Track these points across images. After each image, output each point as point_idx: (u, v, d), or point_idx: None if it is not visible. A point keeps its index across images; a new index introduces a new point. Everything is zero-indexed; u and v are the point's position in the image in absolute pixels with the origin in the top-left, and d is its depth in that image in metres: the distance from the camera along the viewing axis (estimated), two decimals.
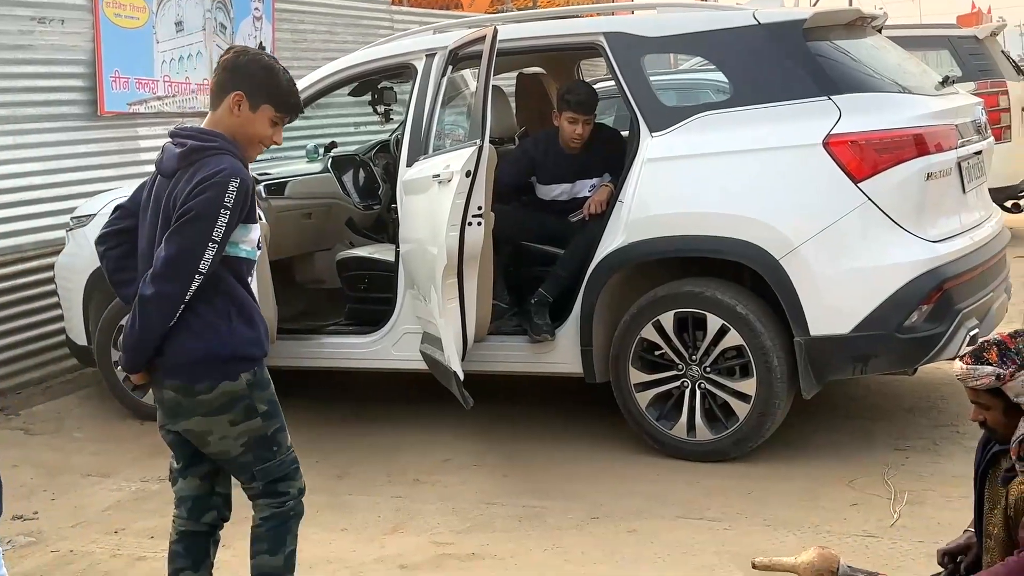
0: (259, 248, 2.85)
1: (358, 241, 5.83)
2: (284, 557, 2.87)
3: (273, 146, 2.89)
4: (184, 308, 2.67)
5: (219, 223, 2.63)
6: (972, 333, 4.19)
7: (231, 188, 2.64)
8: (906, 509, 3.81)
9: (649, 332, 4.43)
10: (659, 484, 4.20)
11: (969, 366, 2.77)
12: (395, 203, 5.02)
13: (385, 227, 5.81)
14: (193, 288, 2.65)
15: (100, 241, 2.92)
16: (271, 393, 2.84)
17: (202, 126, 2.84)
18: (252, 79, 2.77)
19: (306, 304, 5.57)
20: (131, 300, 2.79)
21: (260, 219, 4.43)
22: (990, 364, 2.74)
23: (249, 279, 2.85)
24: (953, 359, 4.33)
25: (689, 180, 4.40)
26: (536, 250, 5.02)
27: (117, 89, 6.76)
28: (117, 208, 2.94)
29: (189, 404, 2.76)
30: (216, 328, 2.71)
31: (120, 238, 2.89)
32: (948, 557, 2.98)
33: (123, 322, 5.38)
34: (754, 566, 3.34)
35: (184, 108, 7.33)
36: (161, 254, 2.65)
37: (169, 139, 2.82)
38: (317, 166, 6.13)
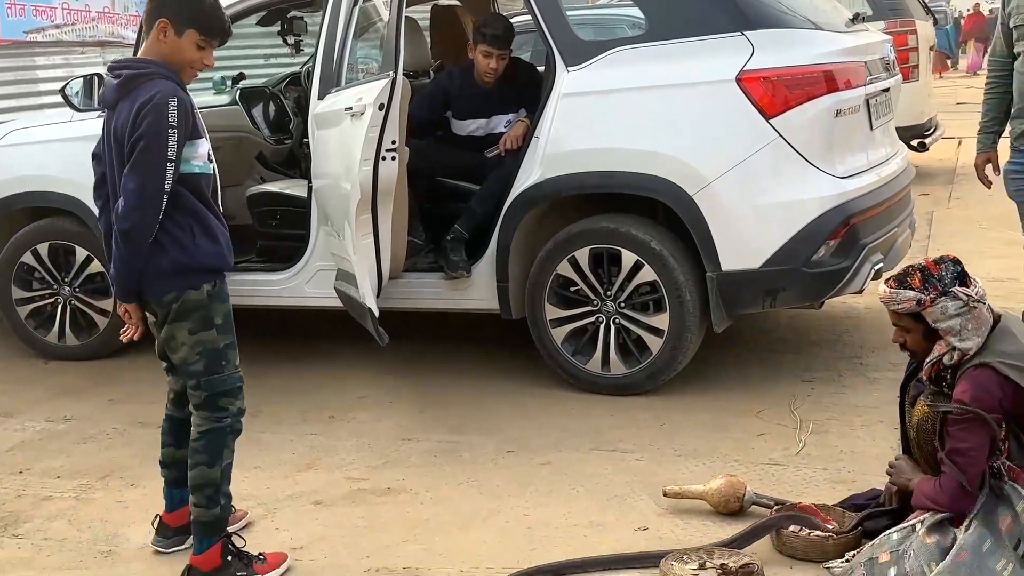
0: (211, 162, 3.01)
1: (269, 176, 5.71)
2: (221, 470, 3.06)
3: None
4: None
5: (170, 143, 2.82)
6: (877, 267, 4.30)
7: (171, 107, 2.82)
8: (811, 438, 3.93)
9: (565, 268, 4.45)
10: (573, 418, 4.25)
11: (892, 290, 2.86)
12: (307, 137, 4.91)
13: (297, 162, 5.70)
14: (163, 208, 2.85)
15: (96, 196, 3.13)
16: (228, 308, 3.06)
17: (136, 56, 3.05)
18: (175, 5, 2.92)
19: None
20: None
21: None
22: (912, 289, 2.83)
23: (212, 196, 3.04)
24: (858, 293, 4.47)
25: (605, 115, 4.39)
26: (452, 186, 4.97)
27: (13, 16, 6.47)
28: (94, 156, 3.12)
29: (162, 315, 3.00)
30: (181, 243, 2.92)
31: (106, 187, 3.06)
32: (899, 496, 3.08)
33: (23, 259, 5.25)
34: (665, 494, 3.44)
35: (84, 37, 7.05)
36: (129, 186, 2.84)
37: (108, 73, 3.00)
38: (225, 98, 5.96)
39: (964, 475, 2.73)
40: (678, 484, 3.46)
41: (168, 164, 2.81)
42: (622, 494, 3.54)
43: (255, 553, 3.12)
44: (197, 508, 3.06)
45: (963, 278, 2.83)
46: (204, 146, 2.96)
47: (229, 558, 3.05)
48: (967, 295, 2.79)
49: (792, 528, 3.06)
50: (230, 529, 3.27)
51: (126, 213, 2.84)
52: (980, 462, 2.74)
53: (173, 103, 2.81)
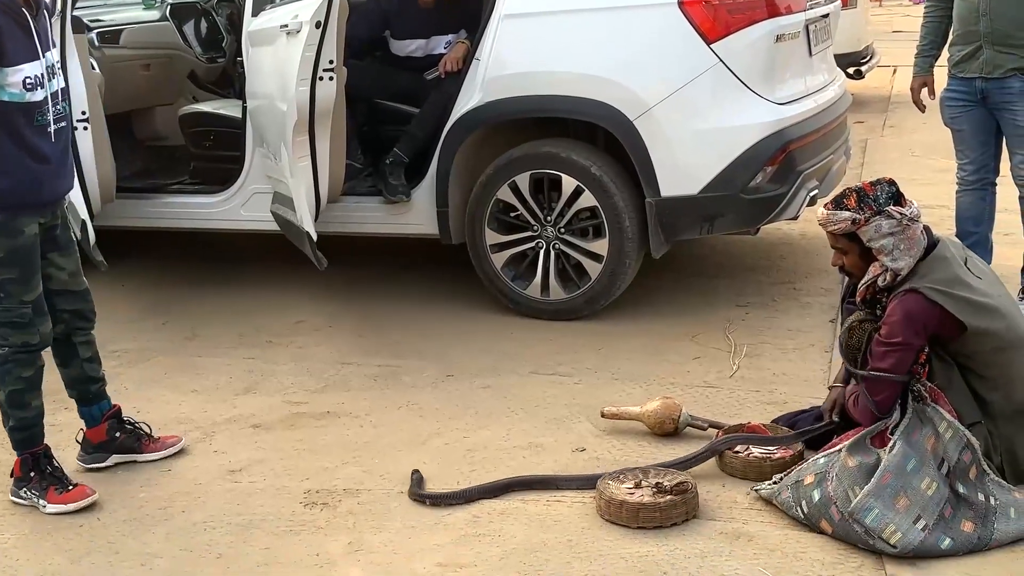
0: (34, 89, 2.90)
1: (201, 96, 5.57)
2: (5, 393, 3.11)
3: None
4: None
5: None
6: (812, 194, 4.35)
7: None
8: (744, 361, 4.01)
9: (505, 193, 4.43)
10: (513, 342, 4.28)
11: (829, 211, 2.92)
12: (240, 55, 4.79)
13: (231, 81, 5.56)
14: None
15: None
16: (18, 246, 2.99)
17: None
18: None
19: (146, 162, 5.33)
20: None
21: (94, 68, 4.23)
22: (848, 209, 2.89)
23: (43, 122, 2.94)
24: (793, 219, 4.53)
25: (546, 38, 4.34)
26: (391, 108, 4.90)
27: None
28: None
29: None
30: None
31: None
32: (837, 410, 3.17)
33: None
34: (603, 415, 3.49)
35: None
36: None
37: None
38: (155, 14, 5.76)
39: (876, 407, 2.86)
40: (615, 406, 3.52)
41: None
42: (561, 416, 3.59)
43: (71, 483, 3.14)
44: None
45: (898, 198, 2.89)
46: (21, 73, 2.89)
47: (32, 474, 3.14)
48: (901, 214, 2.85)
49: (736, 448, 3.14)
50: (164, 453, 3.39)
51: None
52: (889, 403, 2.85)
53: None
